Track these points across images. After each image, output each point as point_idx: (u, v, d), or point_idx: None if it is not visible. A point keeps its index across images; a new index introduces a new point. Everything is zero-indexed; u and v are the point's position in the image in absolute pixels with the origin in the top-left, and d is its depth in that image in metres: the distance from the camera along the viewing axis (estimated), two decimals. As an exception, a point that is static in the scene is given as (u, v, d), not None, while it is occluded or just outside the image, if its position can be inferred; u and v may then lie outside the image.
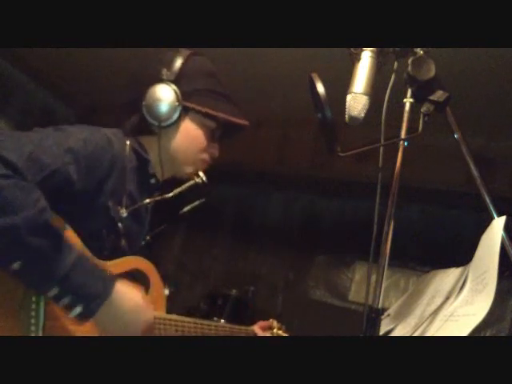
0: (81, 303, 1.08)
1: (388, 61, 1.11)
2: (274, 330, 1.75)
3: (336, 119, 1.04)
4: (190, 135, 1.42)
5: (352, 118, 1.07)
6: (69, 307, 1.08)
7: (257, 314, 3.24)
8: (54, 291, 1.06)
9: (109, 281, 1.15)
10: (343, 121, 1.09)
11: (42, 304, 1.13)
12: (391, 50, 1.10)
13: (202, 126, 1.42)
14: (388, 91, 1.12)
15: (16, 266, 1.02)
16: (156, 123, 1.37)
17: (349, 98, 1.08)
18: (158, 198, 1.39)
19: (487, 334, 2.95)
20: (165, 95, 1.35)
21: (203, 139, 1.43)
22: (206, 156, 1.45)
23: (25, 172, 1.07)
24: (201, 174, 1.43)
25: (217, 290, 3.50)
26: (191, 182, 1.43)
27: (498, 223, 0.95)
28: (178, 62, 1.39)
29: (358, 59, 1.09)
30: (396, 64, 1.12)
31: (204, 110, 1.40)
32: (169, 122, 1.37)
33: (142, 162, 1.38)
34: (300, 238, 3.93)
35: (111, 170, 1.25)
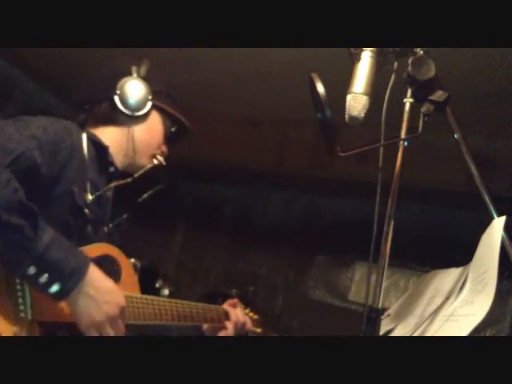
0: (58, 281, 1.10)
1: (388, 61, 1.11)
2: (246, 311, 1.79)
3: (336, 119, 1.04)
4: (153, 130, 1.53)
5: (352, 117, 1.07)
6: (46, 286, 1.10)
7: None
8: (31, 270, 1.08)
9: (84, 259, 1.18)
10: (343, 121, 1.09)
11: (26, 284, 1.15)
12: (391, 50, 1.10)
13: (162, 124, 1.54)
14: (388, 91, 1.12)
15: None
16: (129, 113, 1.45)
17: (349, 97, 1.08)
18: (122, 182, 1.46)
19: (487, 334, 2.95)
20: (139, 89, 1.46)
21: (161, 136, 1.55)
22: (159, 152, 1.56)
23: None
24: (159, 157, 1.54)
25: (217, 289, 3.50)
26: (150, 165, 1.52)
27: (498, 223, 0.95)
28: (146, 64, 1.50)
29: (358, 59, 1.09)
30: (396, 64, 1.12)
31: (169, 109, 1.53)
32: (140, 113, 1.47)
33: (101, 151, 1.44)
34: (300, 237, 3.92)
35: (71, 156, 1.30)
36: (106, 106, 1.46)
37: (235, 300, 1.82)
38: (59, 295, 1.12)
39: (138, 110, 1.46)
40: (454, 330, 0.87)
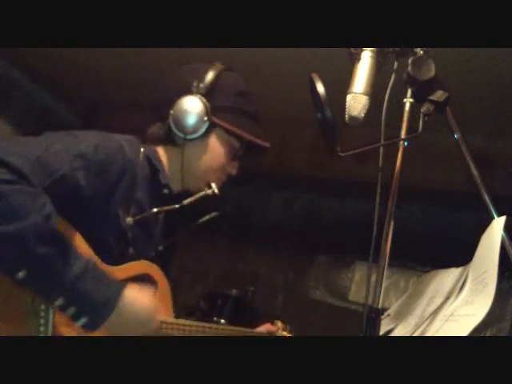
0: (86, 315, 1.07)
1: (388, 61, 1.11)
2: (279, 332, 1.73)
3: (336, 119, 1.04)
4: (213, 152, 1.39)
5: (352, 117, 1.07)
6: (74, 318, 1.07)
7: (257, 314, 3.23)
8: (59, 301, 1.05)
9: (117, 289, 1.14)
10: (343, 121, 1.09)
11: (50, 311, 1.11)
12: (391, 49, 1.10)
13: (226, 143, 1.40)
14: (388, 91, 1.12)
15: (21, 274, 1.01)
16: (181, 135, 1.34)
17: (349, 97, 1.08)
18: (167, 208, 1.35)
19: (487, 334, 2.95)
20: (194, 108, 1.32)
21: (225, 157, 1.41)
22: (222, 175, 1.44)
23: (31, 177, 1.05)
24: (213, 185, 1.40)
25: (217, 289, 3.50)
26: (202, 193, 1.39)
27: (498, 223, 0.95)
28: (210, 76, 1.36)
29: (358, 59, 1.09)
30: (396, 64, 1.12)
31: (231, 128, 1.37)
32: (194, 136, 1.34)
33: (154, 172, 1.35)
34: (300, 238, 3.92)
35: (121, 177, 1.23)
36: (164, 124, 1.36)
37: (278, 325, 1.71)
38: (87, 328, 1.09)
39: (193, 132, 1.33)
40: (453, 330, 0.87)
